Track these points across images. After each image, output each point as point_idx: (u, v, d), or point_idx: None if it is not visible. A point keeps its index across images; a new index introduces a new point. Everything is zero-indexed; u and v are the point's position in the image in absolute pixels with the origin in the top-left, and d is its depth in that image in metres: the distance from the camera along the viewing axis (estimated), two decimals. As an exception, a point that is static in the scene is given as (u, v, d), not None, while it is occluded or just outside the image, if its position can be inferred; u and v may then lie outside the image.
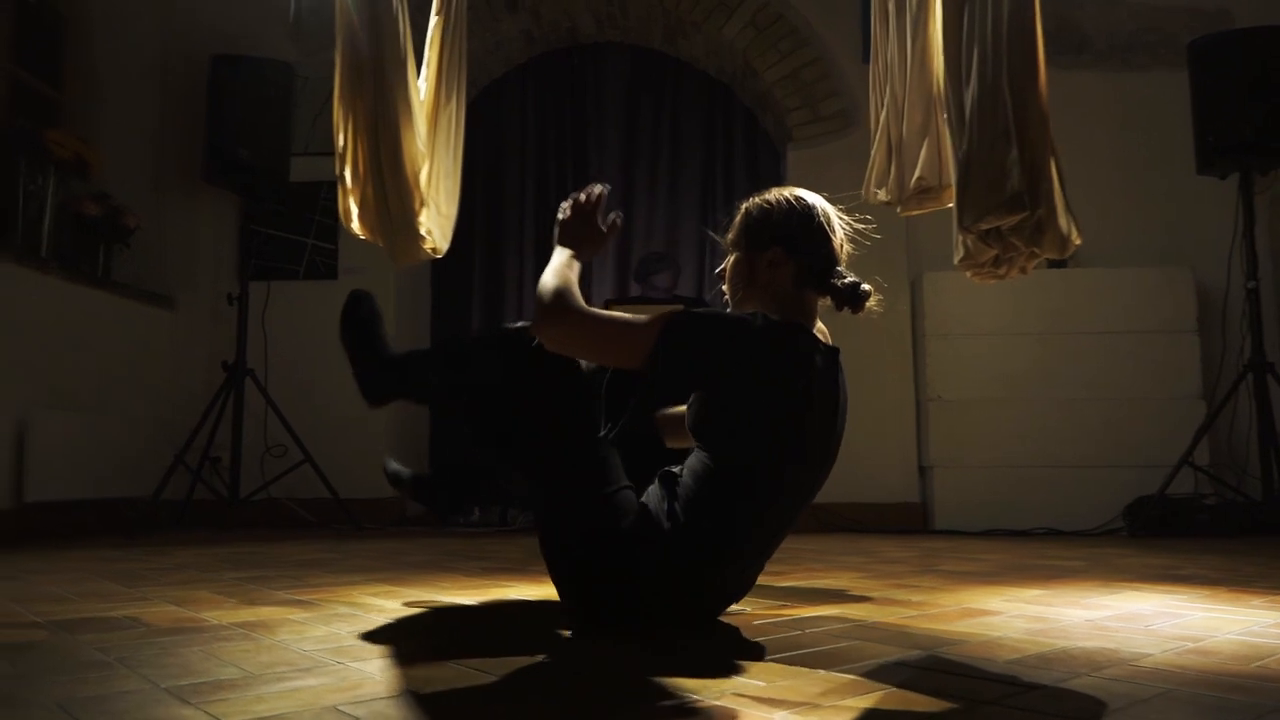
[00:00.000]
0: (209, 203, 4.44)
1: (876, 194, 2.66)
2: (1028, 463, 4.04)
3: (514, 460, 1.69)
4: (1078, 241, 2.01)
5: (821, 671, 1.30)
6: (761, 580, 2.26)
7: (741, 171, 5.01)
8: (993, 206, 1.94)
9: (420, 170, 2.57)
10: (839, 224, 1.77)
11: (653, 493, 1.64)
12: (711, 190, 5.10)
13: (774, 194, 1.77)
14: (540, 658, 1.43)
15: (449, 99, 2.72)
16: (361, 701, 1.13)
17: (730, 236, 1.80)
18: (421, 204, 2.57)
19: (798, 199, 1.75)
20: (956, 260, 2.17)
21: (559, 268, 1.67)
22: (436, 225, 2.70)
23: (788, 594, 2.15)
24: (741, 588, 1.76)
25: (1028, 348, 4.11)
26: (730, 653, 1.45)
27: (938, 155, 2.58)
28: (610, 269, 5.10)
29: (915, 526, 4.15)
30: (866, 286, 1.70)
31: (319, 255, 4.43)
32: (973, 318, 4.15)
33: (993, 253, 2.03)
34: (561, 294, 1.60)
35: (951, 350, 4.16)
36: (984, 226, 1.96)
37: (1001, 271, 2.10)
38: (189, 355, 4.37)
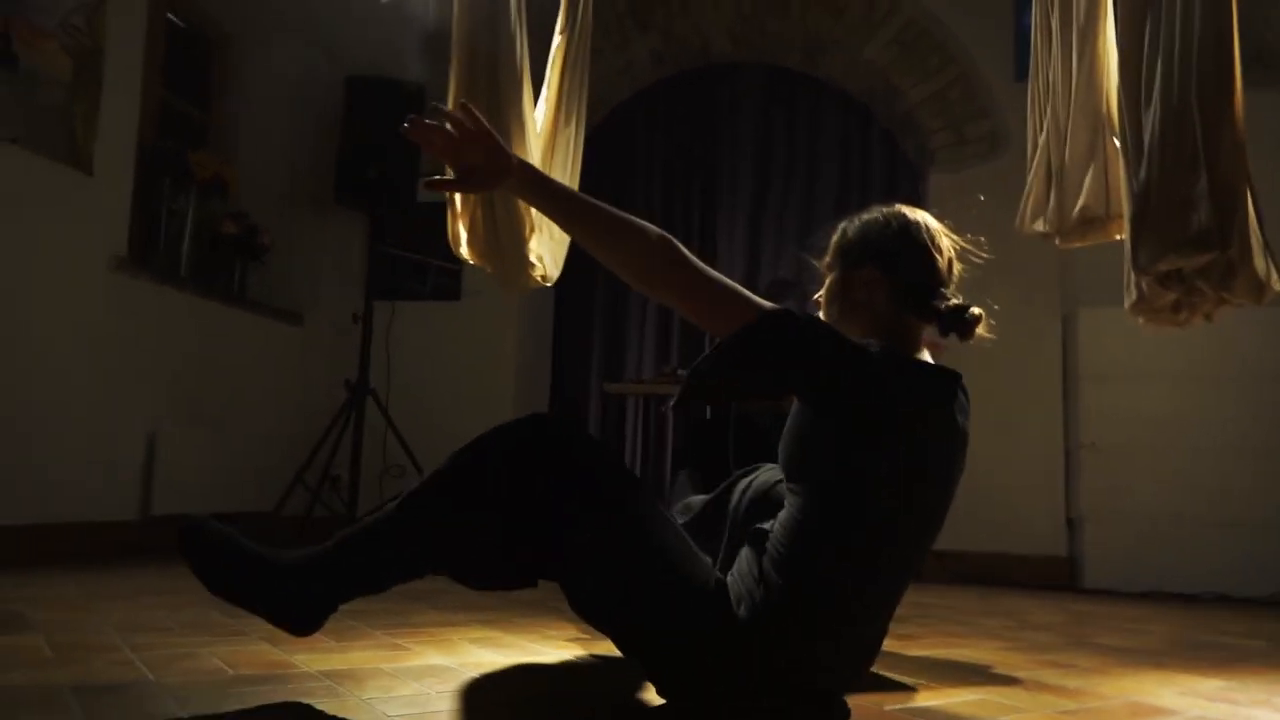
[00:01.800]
0: (339, 222, 4.50)
1: (1034, 225, 2.41)
2: (1193, 518, 3.65)
3: (559, 545, 1.42)
4: (1278, 288, 1.72)
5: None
6: (893, 646, 2.06)
7: (878, 196, 4.74)
8: (1176, 244, 1.68)
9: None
10: (946, 241, 1.58)
11: (744, 556, 1.46)
12: (846, 215, 4.86)
13: (873, 211, 1.61)
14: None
15: (568, 122, 2.62)
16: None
17: (827, 258, 1.63)
18: (532, 230, 2.46)
19: (896, 214, 1.58)
20: (1128, 304, 1.91)
21: (601, 207, 1.45)
22: (549, 251, 2.59)
23: (921, 667, 1.93)
24: (860, 655, 1.53)
25: (1194, 392, 3.72)
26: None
27: (1105, 182, 2.32)
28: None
29: (1061, 583, 3.81)
30: (976, 310, 1.49)
31: (443, 276, 4.42)
32: (1133, 358, 3.78)
33: (1172, 297, 1.76)
34: (671, 242, 1.42)
35: (1108, 393, 3.81)
36: (1164, 267, 1.70)
37: (1181, 318, 1.83)
38: (314, 372, 4.43)
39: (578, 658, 1.87)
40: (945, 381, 1.46)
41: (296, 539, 3.92)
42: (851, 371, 1.36)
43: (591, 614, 1.48)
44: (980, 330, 1.50)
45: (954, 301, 1.51)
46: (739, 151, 4.99)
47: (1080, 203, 2.33)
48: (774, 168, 4.95)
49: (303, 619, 1.41)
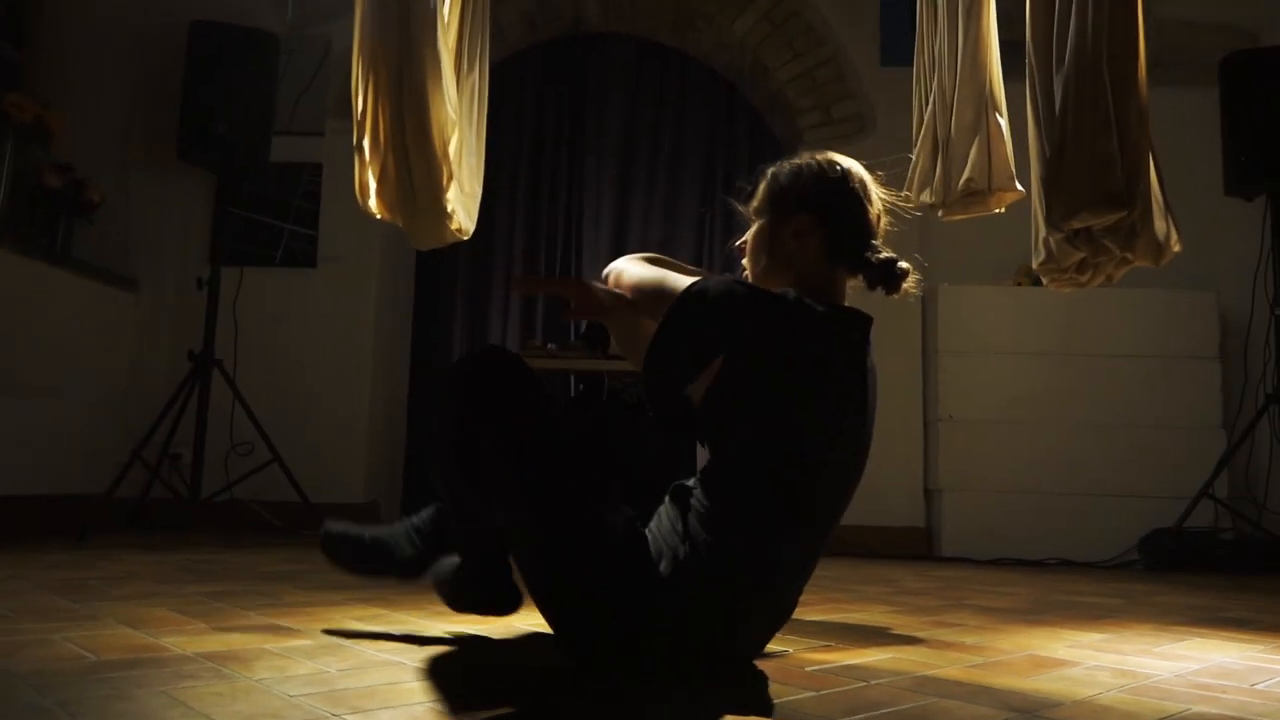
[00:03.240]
0: (181, 180, 4.14)
1: (921, 196, 2.45)
2: (1040, 489, 3.85)
3: (486, 494, 1.43)
4: (1176, 249, 1.80)
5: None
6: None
7: (744, 175, 4.78)
8: (1090, 202, 1.73)
9: (450, 140, 2.29)
10: (875, 193, 1.56)
11: (664, 512, 1.42)
12: (711, 193, 4.88)
13: (804, 157, 1.57)
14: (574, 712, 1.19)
15: (471, 68, 2.46)
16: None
17: (754, 204, 1.59)
18: (450, 178, 2.30)
19: (830, 162, 1.54)
20: (1036, 263, 1.96)
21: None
22: (461, 205, 2.44)
23: (823, 630, 1.93)
24: (781, 617, 1.52)
25: (1044, 369, 3.93)
26: (798, 714, 1.22)
27: (988, 157, 2.38)
28: (601, 270, 4.86)
29: (920, 552, 3.95)
30: (904, 264, 1.49)
31: (298, 241, 4.15)
32: (988, 335, 3.96)
33: (1079, 256, 1.82)
34: (631, 259, 1.61)
35: (965, 368, 3.97)
36: (1076, 225, 1.75)
37: (1085, 278, 1.89)
38: (152, 342, 4.07)
39: (472, 632, 1.77)
40: (860, 328, 1.45)
41: (133, 522, 3.61)
42: (766, 327, 1.35)
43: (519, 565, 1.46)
44: (908, 285, 1.49)
45: (884, 254, 1.50)
46: (607, 124, 4.92)
47: (965, 175, 2.38)
48: (641, 142, 4.92)
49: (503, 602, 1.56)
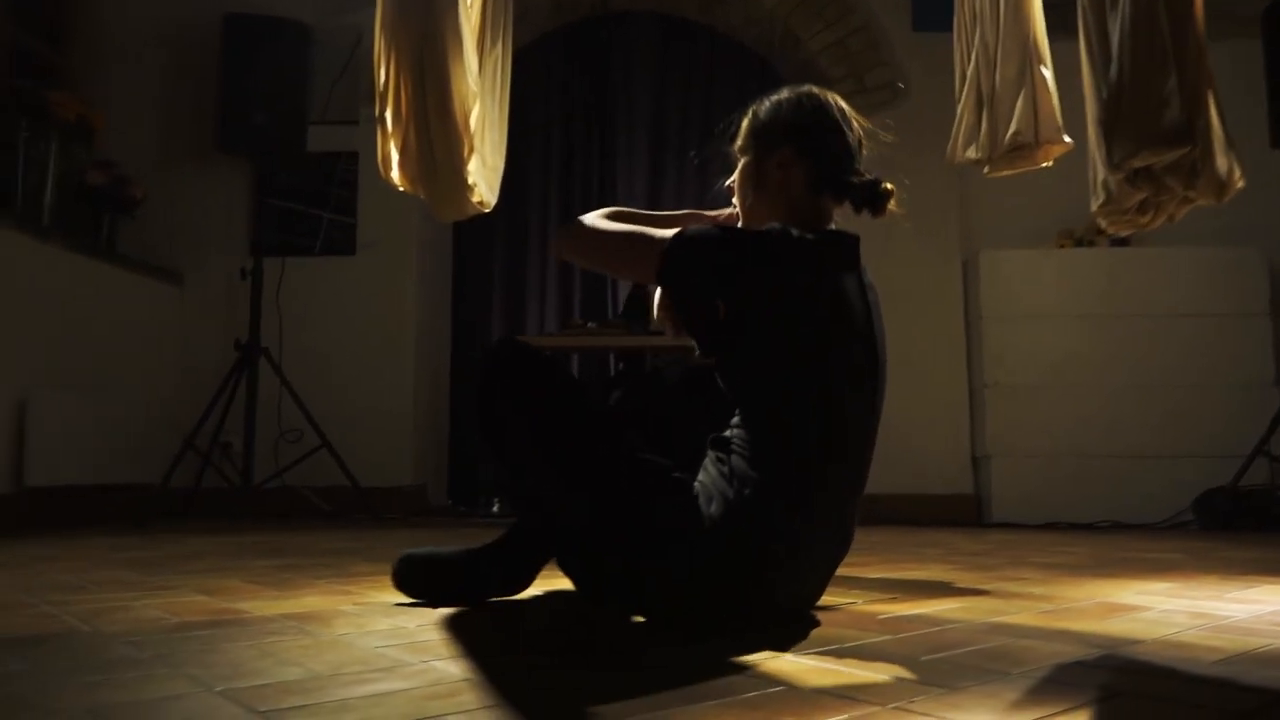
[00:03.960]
0: (220, 172, 4.19)
1: (966, 153, 2.43)
2: (1090, 452, 3.81)
3: (515, 469, 1.49)
4: (1239, 185, 1.78)
5: (1001, 675, 1.07)
6: (847, 571, 2.04)
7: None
8: (1149, 140, 1.71)
9: (471, 112, 2.30)
10: (855, 120, 1.60)
11: (709, 463, 1.43)
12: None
13: (782, 91, 1.62)
14: (644, 654, 1.19)
15: (494, 43, 2.47)
16: (466, 711, 0.90)
17: (738, 142, 1.62)
18: (471, 150, 2.31)
19: (807, 94, 1.60)
20: (1096, 205, 1.94)
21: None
22: (483, 178, 2.46)
23: (885, 586, 1.92)
24: (825, 559, 1.50)
25: (1090, 331, 3.88)
26: (879, 654, 1.22)
27: (1034, 109, 2.35)
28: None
29: (968, 519, 3.92)
30: (888, 185, 1.52)
31: (336, 229, 4.18)
32: (1032, 299, 3.92)
33: (1139, 196, 1.80)
34: (592, 216, 1.59)
35: (1009, 333, 3.93)
36: (1136, 164, 1.73)
37: (1146, 219, 1.87)
38: (198, 333, 4.12)
39: (538, 594, 1.78)
40: (849, 248, 1.49)
41: (187, 510, 3.67)
42: (750, 263, 1.40)
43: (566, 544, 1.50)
44: (891, 206, 1.53)
45: (867, 177, 1.54)
46: (637, 105, 4.91)
47: (1012, 129, 2.36)
48: (671, 121, 4.90)
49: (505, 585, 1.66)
